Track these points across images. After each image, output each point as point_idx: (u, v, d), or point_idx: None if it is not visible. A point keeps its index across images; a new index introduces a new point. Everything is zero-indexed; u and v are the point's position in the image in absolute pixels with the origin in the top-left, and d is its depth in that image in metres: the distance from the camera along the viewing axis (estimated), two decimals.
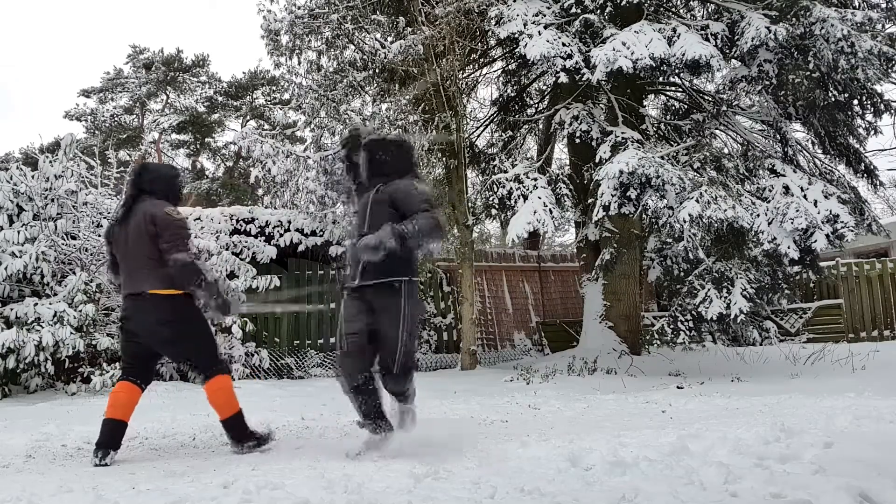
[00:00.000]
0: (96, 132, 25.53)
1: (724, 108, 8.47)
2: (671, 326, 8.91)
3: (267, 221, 9.42)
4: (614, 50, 7.13)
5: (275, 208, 9.69)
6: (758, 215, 7.16)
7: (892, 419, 3.87)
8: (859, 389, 5.47)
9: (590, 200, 8.23)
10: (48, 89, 49.89)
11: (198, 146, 27.77)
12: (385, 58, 8.38)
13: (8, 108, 45.67)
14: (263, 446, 3.66)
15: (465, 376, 8.12)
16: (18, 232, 7.11)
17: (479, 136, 10.45)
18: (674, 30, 7.36)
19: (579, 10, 7.71)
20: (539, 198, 7.60)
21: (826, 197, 7.10)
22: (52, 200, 7.49)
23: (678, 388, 6.56)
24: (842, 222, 6.91)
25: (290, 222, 9.47)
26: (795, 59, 7.45)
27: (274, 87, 25.05)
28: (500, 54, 10.18)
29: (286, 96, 20.21)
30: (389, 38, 8.82)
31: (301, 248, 9.44)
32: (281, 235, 9.39)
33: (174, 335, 3.64)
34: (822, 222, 6.91)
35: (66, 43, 53.55)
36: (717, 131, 9.18)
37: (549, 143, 9.91)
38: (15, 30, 51.40)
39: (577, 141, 8.20)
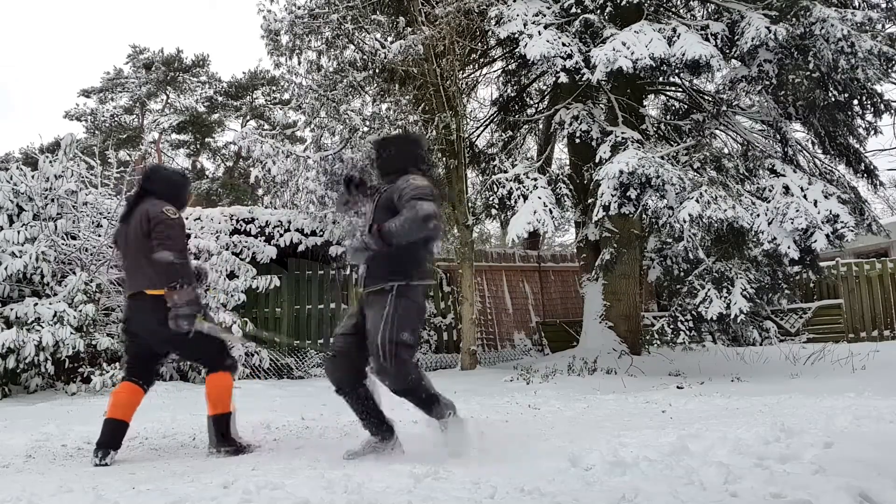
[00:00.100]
0: (96, 132, 25.54)
1: (724, 108, 8.47)
2: (671, 326, 8.91)
3: (267, 221, 9.42)
4: (614, 50, 7.13)
5: (275, 208, 9.70)
6: (758, 215, 7.16)
7: (892, 419, 3.87)
8: (859, 389, 5.47)
9: (590, 200, 8.23)
10: (48, 89, 49.96)
11: (198, 146, 27.77)
12: (385, 58, 8.38)
13: (8, 108, 45.70)
14: (239, 455, 3.61)
15: (465, 376, 8.11)
16: (18, 232, 7.11)
17: (479, 136, 10.45)
18: (674, 30, 7.36)
19: (579, 10, 7.71)
20: (539, 198, 7.60)
21: (826, 197, 7.10)
22: (52, 200, 7.49)
23: (678, 388, 6.56)
24: (842, 222, 6.91)
25: (290, 222, 9.48)
26: (795, 59, 7.45)
27: (274, 87, 25.06)
28: (500, 54, 10.18)
29: (286, 96, 20.22)
30: (389, 38, 8.82)
31: (301, 248, 9.45)
32: (281, 235, 9.40)
33: (171, 335, 3.63)
34: (822, 222, 6.91)
35: (66, 43, 53.58)
36: (717, 131, 9.18)
37: (549, 143, 9.91)
38: (15, 30, 51.43)
39: (577, 141, 8.20)
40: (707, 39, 7.37)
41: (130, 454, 3.74)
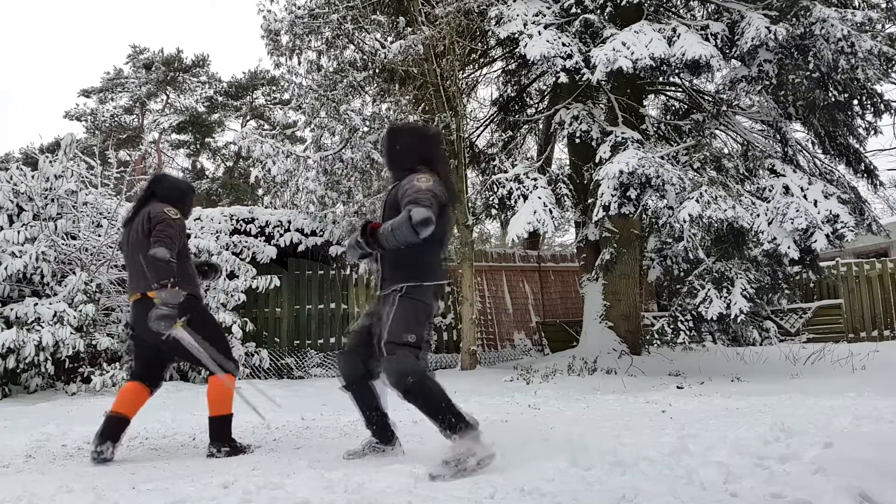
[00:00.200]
0: (96, 132, 25.53)
1: (724, 108, 8.47)
2: (671, 326, 8.90)
3: (267, 221, 9.43)
4: (614, 50, 7.13)
5: (275, 208, 9.70)
6: (758, 215, 7.16)
7: (892, 419, 3.87)
8: (859, 389, 5.47)
9: (590, 200, 8.23)
10: (48, 89, 49.94)
11: (198, 146, 27.77)
12: (385, 58, 8.38)
13: (8, 108, 45.70)
14: (238, 456, 3.62)
15: (465, 376, 8.11)
16: (18, 232, 7.11)
17: (479, 136, 10.45)
18: (674, 30, 7.36)
19: (579, 10, 7.71)
20: (539, 198, 7.60)
21: (826, 197, 7.10)
22: (52, 200, 7.49)
23: (678, 388, 6.56)
24: (842, 222, 6.91)
25: (290, 222, 9.48)
26: (795, 59, 7.44)
27: (274, 87, 25.07)
28: (500, 54, 10.18)
29: (286, 96, 20.22)
30: (389, 38, 8.82)
31: (301, 248, 9.45)
32: (281, 235, 9.40)
33: (171, 337, 3.63)
34: (822, 222, 6.91)
35: (66, 43, 53.58)
36: (717, 131, 9.18)
37: (549, 143, 9.91)
38: (15, 30, 51.43)
39: (577, 141, 8.19)
40: (707, 39, 7.37)
41: (130, 454, 3.74)
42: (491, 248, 14.91)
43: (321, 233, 9.34)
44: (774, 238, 7.02)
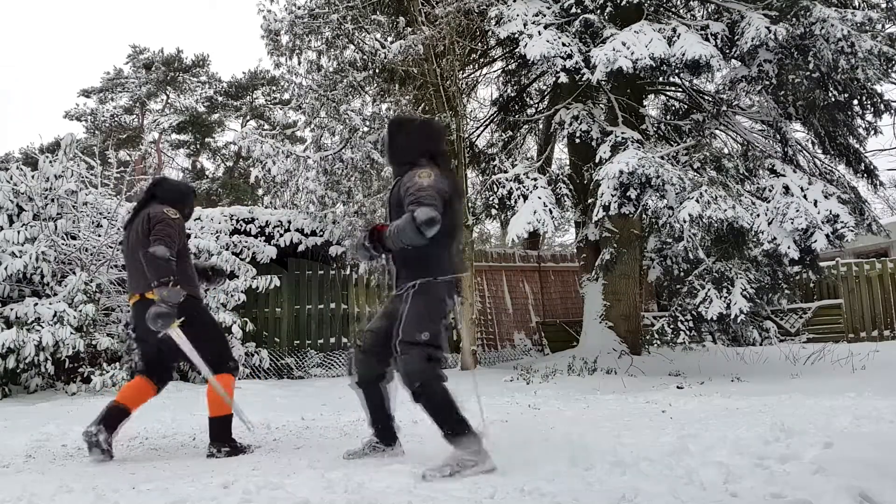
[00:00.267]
0: (96, 132, 25.53)
1: (724, 108, 8.47)
2: (671, 326, 8.91)
3: (267, 221, 9.43)
4: (614, 50, 7.14)
5: (275, 208, 9.70)
6: (758, 215, 7.16)
7: (892, 419, 3.87)
8: (859, 389, 5.47)
9: (590, 200, 8.23)
10: (48, 89, 49.95)
11: (198, 146, 27.77)
12: (385, 58, 8.38)
13: (8, 108, 45.71)
14: (238, 455, 3.62)
15: (465, 376, 8.12)
16: (18, 232, 7.11)
17: (479, 136, 10.45)
18: (674, 30, 7.36)
19: (579, 10, 7.71)
20: (539, 198, 7.60)
21: (826, 197, 7.10)
22: (52, 200, 7.49)
23: (678, 388, 6.56)
24: (842, 222, 6.91)
25: (290, 222, 9.48)
26: (795, 59, 7.45)
27: (274, 87, 25.06)
28: (500, 54, 10.18)
29: (286, 96, 20.21)
30: (389, 38, 8.82)
31: (301, 248, 9.45)
32: (281, 235, 9.40)
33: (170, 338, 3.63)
34: (822, 222, 6.91)
35: (66, 43, 53.59)
36: (717, 131, 9.18)
37: (549, 143, 9.91)
38: (15, 30, 51.44)
39: (577, 141, 8.20)
40: (707, 39, 7.38)
41: (130, 454, 3.75)
42: (491, 248, 14.91)
43: (321, 233, 9.34)
44: (774, 238, 7.02)
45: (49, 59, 50.00)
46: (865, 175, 9.02)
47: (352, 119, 8.55)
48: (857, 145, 9.00)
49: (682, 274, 8.71)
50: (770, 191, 7.32)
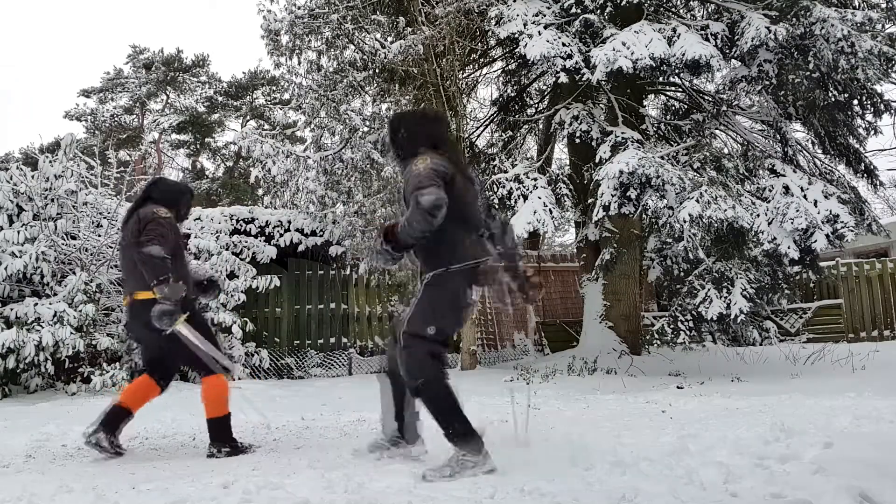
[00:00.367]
0: (96, 132, 25.54)
1: (724, 108, 8.47)
2: (671, 326, 8.91)
3: (267, 221, 9.43)
4: (614, 50, 7.14)
5: (275, 208, 9.70)
6: (758, 215, 7.16)
7: (892, 419, 3.87)
8: (859, 389, 5.47)
9: (590, 200, 8.23)
10: (48, 89, 49.95)
11: (198, 146, 27.77)
12: (385, 58, 8.38)
13: (8, 108, 45.71)
14: (239, 455, 3.60)
15: (465, 376, 8.11)
16: (18, 232, 7.11)
17: (479, 136, 10.45)
18: (674, 30, 7.36)
19: (579, 10, 7.71)
20: (539, 198, 7.60)
21: (826, 197, 7.10)
22: (52, 200, 7.49)
23: (678, 388, 6.56)
24: (842, 222, 6.91)
25: (290, 222, 9.48)
26: (795, 59, 7.45)
27: (274, 87, 25.07)
28: (500, 54, 10.18)
29: (286, 96, 20.23)
30: (389, 38, 8.82)
31: (301, 248, 9.45)
32: (281, 235, 9.40)
33: (161, 339, 3.63)
34: (822, 222, 6.91)
35: (66, 43, 53.59)
36: (717, 131, 9.18)
37: (549, 143, 9.91)
38: (15, 30, 51.44)
39: (577, 141, 8.20)
40: (707, 39, 7.38)
41: (130, 454, 3.74)
42: None
43: (321, 233, 9.34)
44: (774, 238, 7.02)
45: (49, 59, 50.05)
46: (865, 175, 9.02)
47: (352, 119, 8.56)
48: (857, 145, 9.00)
49: (682, 274, 8.70)
50: (770, 191, 7.32)
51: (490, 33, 8.34)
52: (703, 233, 7.74)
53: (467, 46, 8.71)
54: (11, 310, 6.72)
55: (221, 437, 3.63)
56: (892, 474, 2.55)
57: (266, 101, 26.77)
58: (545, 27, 7.57)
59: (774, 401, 5.12)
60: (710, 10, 8.57)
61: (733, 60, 7.94)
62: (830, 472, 2.57)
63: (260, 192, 19.44)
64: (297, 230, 9.45)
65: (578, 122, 8.08)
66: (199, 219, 8.85)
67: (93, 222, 7.79)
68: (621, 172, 6.94)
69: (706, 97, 9.16)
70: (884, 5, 8.60)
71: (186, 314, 3.57)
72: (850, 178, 9.14)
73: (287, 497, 2.50)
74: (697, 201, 6.92)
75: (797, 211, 6.92)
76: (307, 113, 9.42)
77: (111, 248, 7.39)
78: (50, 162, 7.61)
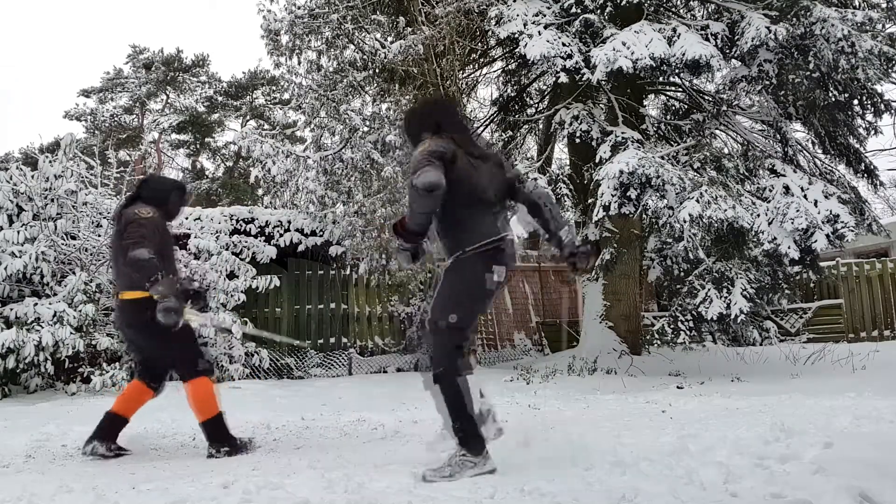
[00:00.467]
0: (96, 132, 25.54)
1: (724, 108, 8.47)
2: (671, 326, 8.91)
3: (267, 221, 9.42)
4: (614, 50, 7.13)
5: (275, 208, 9.70)
6: (758, 215, 7.16)
7: (892, 419, 3.86)
8: (859, 389, 5.47)
9: (590, 200, 8.22)
10: (48, 89, 49.95)
11: (198, 146, 27.78)
12: (385, 58, 8.38)
13: (8, 108, 45.71)
14: (238, 454, 3.59)
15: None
16: (18, 232, 7.11)
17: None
18: (674, 30, 7.36)
19: (579, 10, 7.71)
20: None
21: (826, 197, 7.10)
22: (52, 200, 7.49)
23: (678, 388, 6.56)
24: (842, 222, 6.91)
25: (290, 222, 9.47)
26: (795, 59, 7.44)
27: (274, 87, 25.08)
28: (500, 54, 10.18)
29: (286, 96, 20.21)
30: (389, 38, 8.83)
31: (301, 248, 9.45)
32: (281, 235, 9.40)
33: (144, 338, 3.63)
34: (823, 222, 6.90)
35: (66, 43, 53.59)
36: (717, 131, 9.18)
37: (549, 143, 9.91)
38: (15, 30, 51.43)
39: (577, 141, 8.20)
40: (707, 39, 7.37)
41: (130, 454, 3.74)
42: None
43: (321, 233, 9.34)
44: (774, 238, 7.02)
45: (49, 59, 50.05)
46: (865, 175, 9.02)
47: (352, 119, 8.55)
48: (857, 145, 9.00)
49: (682, 274, 8.70)
50: (770, 191, 7.32)
51: (490, 33, 8.33)
52: (703, 233, 7.74)
53: (467, 46, 8.71)
54: (11, 310, 6.72)
55: (218, 436, 3.62)
56: (892, 474, 2.54)
57: (266, 101, 26.79)
58: (545, 27, 7.57)
59: (774, 401, 5.12)
60: (710, 10, 8.56)
61: (733, 60, 7.94)
62: (830, 472, 2.57)
63: (260, 192, 19.44)
64: (297, 230, 9.45)
65: (578, 121, 8.08)
66: (199, 219, 8.85)
67: (93, 222, 7.79)
68: (621, 172, 6.94)
69: (706, 97, 9.16)
70: (884, 5, 8.60)
71: (189, 303, 3.59)
72: (850, 178, 9.14)
73: (287, 497, 2.50)
74: (697, 201, 6.92)
75: (797, 211, 6.92)
76: (307, 113, 9.42)
77: (110, 248, 7.39)
78: (50, 162, 7.61)
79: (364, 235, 8.94)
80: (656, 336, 9.38)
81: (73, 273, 7.18)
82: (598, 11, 7.68)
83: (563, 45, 7.44)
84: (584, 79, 7.51)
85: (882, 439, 3.21)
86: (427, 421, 4.71)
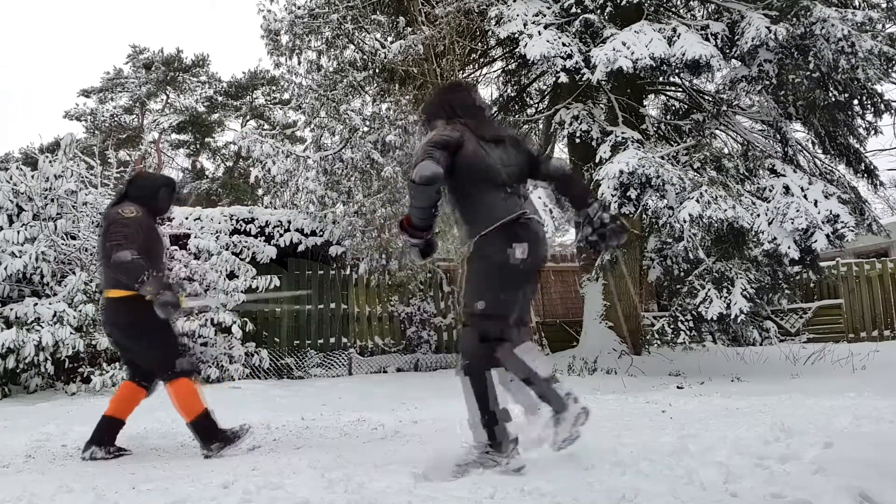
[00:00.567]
0: (96, 132, 25.54)
1: (724, 108, 8.47)
2: (671, 326, 8.90)
3: (267, 221, 9.42)
4: (614, 50, 7.13)
5: (275, 208, 9.70)
6: (758, 215, 7.16)
7: (892, 419, 3.86)
8: (859, 389, 5.47)
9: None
10: (48, 89, 49.93)
11: (198, 146, 27.78)
12: (385, 58, 8.38)
13: (8, 108, 45.71)
14: (232, 445, 3.55)
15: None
16: (18, 232, 7.11)
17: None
18: (674, 30, 7.36)
19: (579, 10, 7.71)
20: (539, 198, 7.59)
21: (826, 197, 7.10)
22: (52, 200, 7.49)
23: (678, 388, 6.56)
24: (842, 222, 6.91)
25: (290, 222, 9.48)
26: (795, 59, 7.44)
27: (274, 87, 25.07)
28: (500, 54, 10.18)
29: (286, 96, 20.19)
30: (389, 38, 8.83)
31: (301, 248, 9.45)
32: (281, 235, 9.40)
33: (124, 338, 3.64)
34: (823, 222, 6.90)
35: (66, 43, 53.58)
36: (717, 131, 9.17)
37: (549, 142, 9.91)
38: (15, 30, 51.43)
39: (577, 141, 8.20)
40: (707, 39, 7.37)
41: (130, 454, 3.74)
42: None
43: (321, 233, 9.34)
44: (774, 238, 7.02)
45: (49, 59, 50.03)
46: (865, 175, 9.02)
47: (352, 119, 8.55)
48: (857, 145, 9.00)
49: (682, 274, 8.69)
50: (770, 191, 7.32)
51: (490, 33, 8.33)
52: (703, 233, 7.73)
53: (467, 46, 8.71)
54: (11, 310, 6.72)
55: (207, 435, 3.59)
56: (892, 474, 2.54)
57: (266, 101, 26.78)
58: (545, 27, 7.57)
59: (774, 401, 5.12)
60: (710, 10, 8.56)
61: (733, 60, 7.94)
62: (830, 472, 2.56)
63: (260, 192, 19.44)
64: (297, 230, 9.45)
65: (578, 121, 8.08)
66: (199, 219, 8.85)
67: (92, 222, 7.79)
68: (621, 172, 6.94)
69: (706, 97, 9.15)
70: (884, 5, 8.60)
71: (182, 291, 3.58)
72: (850, 178, 9.14)
73: (287, 497, 2.50)
74: (697, 201, 6.92)
75: (797, 211, 6.92)
76: (307, 113, 9.42)
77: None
78: (50, 162, 7.61)
79: (364, 235, 8.94)
80: (656, 336, 9.37)
81: (73, 273, 7.18)
82: (598, 11, 7.68)
83: (563, 45, 7.44)
84: (584, 79, 7.51)
85: (882, 439, 3.21)
86: (427, 421, 4.71)
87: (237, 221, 9.28)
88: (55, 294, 7.06)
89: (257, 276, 8.31)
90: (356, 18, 8.82)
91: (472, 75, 10.32)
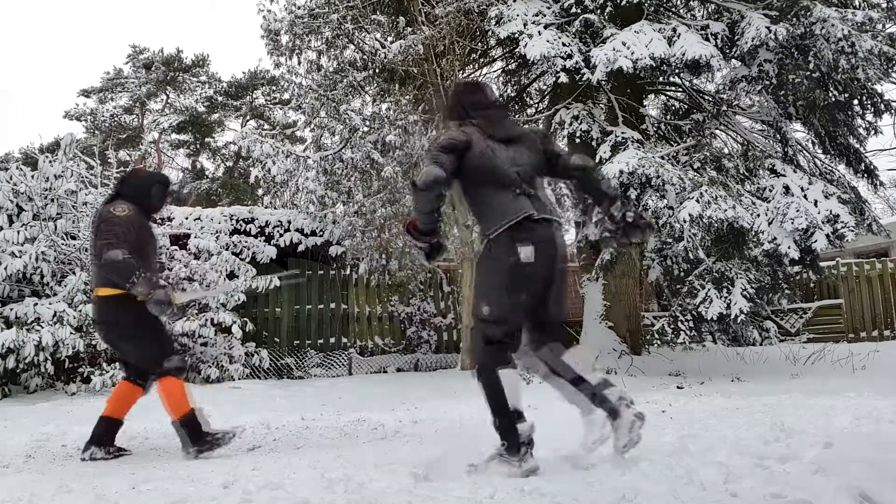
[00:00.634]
0: (96, 132, 25.54)
1: (724, 108, 8.46)
2: (671, 326, 8.89)
3: (267, 221, 9.43)
4: (614, 50, 7.13)
5: (275, 208, 9.71)
6: (758, 215, 7.16)
7: (892, 419, 3.87)
8: (859, 389, 5.47)
9: (590, 200, 8.21)
10: (48, 89, 49.93)
11: (198, 146, 27.78)
12: (385, 58, 8.38)
13: (8, 108, 45.71)
14: (218, 447, 3.53)
15: (465, 376, 8.11)
16: (18, 232, 7.12)
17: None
18: (674, 30, 7.36)
19: (579, 10, 7.71)
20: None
21: (826, 197, 7.09)
22: (52, 200, 7.49)
23: (678, 388, 6.56)
24: (842, 222, 6.91)
25: (289, 222, 9.48)
26: (795, 59, 7.44)
27: (274, 87, 25.07)
28: (500, 54, 10.18)
29: (286, 96, 20.20)
30: (389, 38, 8.83)
31: (301, 248, 9.45)
32: (281, 235, 9.41)
33: (112, 336, 3.64)
34: (823, 222, 6.90)
35: (66, 43, 53.59)
36: (717, 131, 9.17)
37: None
38: (15, 30, 51.44)
39: (577, 141, 8.19)
40: (707, 39, 7.37)
41: (130, 454, 3.74)
42: None
43: (321, 233, 9.34)
44: (775, 238, 7.02)
45: (49, 59, 50.03)
46: (865, 175, 9.01)
47: (352, 119, 8.56)
48: (857, 145, 8.99)
49: (682, 274, 8.69)
50: (770, 191, 7.32)
51: (490, 33, 8.33)
52: (703, 233, 7.73)
53: (467, 46, 8.71)
54: (11, 310, 6.72)
55: (191, 435, 3.55)
56: (892, 474, 2.54)
57: (266, 101, 26.79)
58: (545, 27, 7.56)
59: (774, 401, 5.12)
60: (710, 10, 8.56)
61: (733, 60, 7.93)
62: (830, 472, 2.57)
63: (260, 192, 19.43)
64: (296, 230, 9.46)
65: (578, 121, 8.07)
66: (199, 219, 8.86)
67: (92, 222, 7.79)
68: (621, 172, 6.94)
69: (706, 97, 9.15)
70: (884, 5, 8.60)
71: (173, 286, 3.59)
72: (850, 178, 9.13)
73: (287, 497, 2.50)
74: (697, 201, 6.92)
75: (797, 211, 6.92)
76: (307, 113, 9.43)
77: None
78: (50, 162, 7.61)
79: (364, 235, 8.94)
80: (656, 336, 9.37)
81: (73, 273, 7.18)
82: (598, 11, 7.68)
83: (563, 45, 7.44)
84: (584, 79, 7.50)
85: (882, 439, 3.21)
86: (427, 421, 4.72)
87: (237, 221, 9.28)
88: (55, 294, 7.06)
89: (257, 275, 8.32)
90: (356, 18, 8.82)
91: (472, 75, 10.32)
